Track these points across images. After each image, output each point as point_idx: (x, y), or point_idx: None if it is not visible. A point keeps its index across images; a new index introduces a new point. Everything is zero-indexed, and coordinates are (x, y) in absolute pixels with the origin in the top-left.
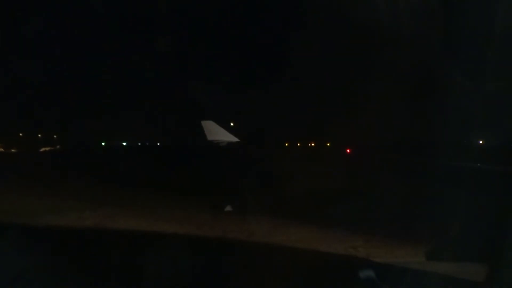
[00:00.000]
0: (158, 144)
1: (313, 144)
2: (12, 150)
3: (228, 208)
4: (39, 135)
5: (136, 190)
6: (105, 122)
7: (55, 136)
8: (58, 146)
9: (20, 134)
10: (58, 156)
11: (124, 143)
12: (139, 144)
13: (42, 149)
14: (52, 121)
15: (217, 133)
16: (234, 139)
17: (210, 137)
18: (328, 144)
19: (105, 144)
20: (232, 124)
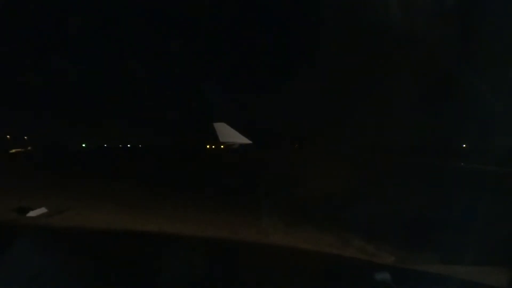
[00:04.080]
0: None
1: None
2: None
3: (32, 213)
4: (8, 136)
5: None
6: (105, 123)
7: (25, 137)
8: (29, 148)
9: None
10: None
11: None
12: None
13: (13, 151)
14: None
15: (229, 135)
16: (246, 141)
17: (222, 139)
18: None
19: (85, 146)
20: (243, 126)
